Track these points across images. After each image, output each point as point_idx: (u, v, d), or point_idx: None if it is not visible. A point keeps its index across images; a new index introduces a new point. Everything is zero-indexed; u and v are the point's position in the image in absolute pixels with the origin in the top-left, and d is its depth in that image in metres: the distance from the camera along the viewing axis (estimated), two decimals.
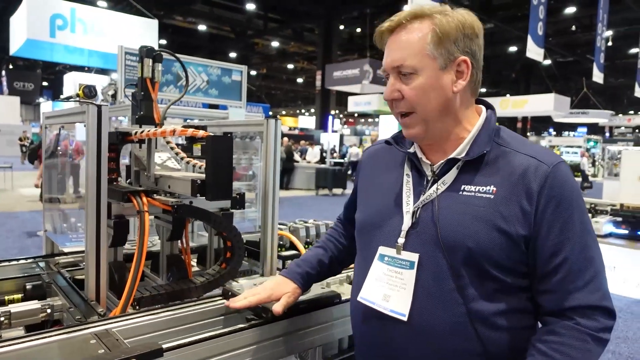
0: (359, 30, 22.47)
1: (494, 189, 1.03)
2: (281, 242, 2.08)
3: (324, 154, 17.72)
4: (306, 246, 2.14)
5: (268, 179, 1.69)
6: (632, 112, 31.76)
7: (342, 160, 18.77)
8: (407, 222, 1.10)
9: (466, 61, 1.06)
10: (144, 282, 1.75)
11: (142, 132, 1.55)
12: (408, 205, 1.12)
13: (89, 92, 1.65)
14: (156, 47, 1.67)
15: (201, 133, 1.40)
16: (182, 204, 1.49)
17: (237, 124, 2.16)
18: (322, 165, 16.58)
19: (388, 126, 23.45)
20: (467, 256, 1.02)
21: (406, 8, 9.30)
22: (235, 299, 1.32)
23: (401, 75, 1.07)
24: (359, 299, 1.16)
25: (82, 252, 1.55)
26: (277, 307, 1.26)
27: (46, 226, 2.33)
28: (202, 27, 22.78)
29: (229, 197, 1.46)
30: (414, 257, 1.07)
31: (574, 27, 21.45)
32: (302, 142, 20.86)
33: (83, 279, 1.49)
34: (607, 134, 33.92)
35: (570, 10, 18.30)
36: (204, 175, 1.42)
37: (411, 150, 1.17)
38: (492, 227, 1.01)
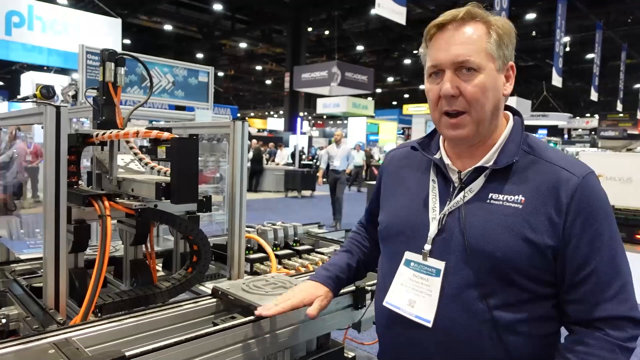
0: (327, 32, 22.56)
1: (522, 198, 1.03)
2: (249, 245, 2.06)
3: (299, 156, 17.62)
4: (274, 248, 2.13)
5: (235, 181, 1.68)
6: (588, 114, 33.16)
7: (310, 162, 18.79)
8: (433, 228, 1.11)
9: (513, 67, 1.10)
10: (107, 288, 1.70)
11: (103, 134, 1.50)
12: (434, 212, 1.12)
13: (46, 93, 1.60)
14: (119, 47, 1.65)
15: (166, 135, 1.37)
16: (146, 208, 1.46)
17: (203, 126, 2.13)
18: (291, 168, 16.55)
19: (356, 128, 23.68)
20: (493, 265, 1.02)
21: (374, 11, 9.38)
22: (266, 307, 1.27)
23: (460, 72, 1.04)
24: (384, 304, 1.16)
25: (40, 258, 1.49)
26: (312, 311, 1.25)
27: (0, 232, 2.23)
28: (168, 27, 22.33)
29: (194, 200, 1.44)
30: (441, 264, 1.08)
31: (534, 33, 22.23)
32: (271, 144, 20.72)
33: (41, 286, 1.43)
34: (566, 136, 35.28)
35: (531, 16, 18.95)
36: (169, 178, 1.40)
37: (437, 156, 1.17)
38: (519, 236, 1.01)
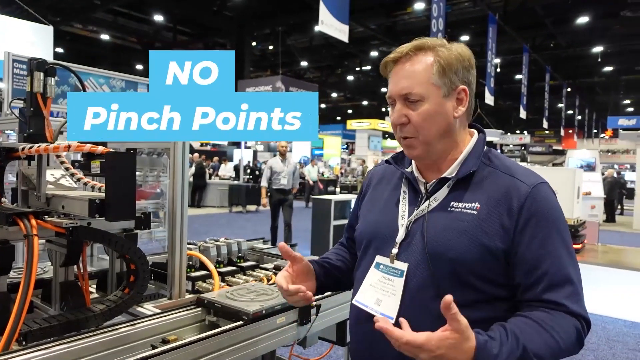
0: (271, 47, 22.64)
1: (478, 205, 1.13)
2: (191, 263, 1.99)
3: (257, 172, 17.30)
4: (217, 265, 2.08)
5: (176, 196, 1.62)
6: (518, 131, 35.39)
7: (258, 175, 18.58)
8: (401, 234, 1.20)
9: (465, 90, 1.18)
10: (33, 314, 1.58)
11: (30, 147, 1.41)
12: (403, 219, 1.22)
13: None
14: (51, 56, 1.56)
15: (100, 149, 1.31)
16: (78, 226, 1.38)
17: None
18: (236, 182, 16.30)
19: (301, 143, 23.80)
20: (449, 266, 1.11)
21: (318, 28, 9.55)
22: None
23: (408, 102, 1.16)
24: (353, 301, 1.25)
25: None
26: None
27: None
28: (105, 37, 21.44)
29: (131, 217, 1.38)
30: (404, 266, 1.17)
31: None
32: (215, 158, 20.32)
33: None
34: (499, 151, 37.43)
35: (465, 38, 20.05)
36: (103, 194, 1.33)
37: (408, 169, 1.28)
38: (473, 240, 1.10)
